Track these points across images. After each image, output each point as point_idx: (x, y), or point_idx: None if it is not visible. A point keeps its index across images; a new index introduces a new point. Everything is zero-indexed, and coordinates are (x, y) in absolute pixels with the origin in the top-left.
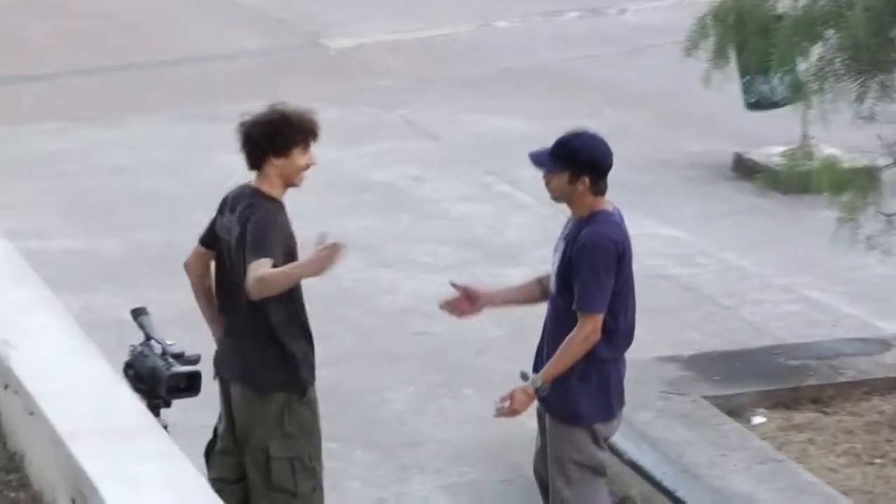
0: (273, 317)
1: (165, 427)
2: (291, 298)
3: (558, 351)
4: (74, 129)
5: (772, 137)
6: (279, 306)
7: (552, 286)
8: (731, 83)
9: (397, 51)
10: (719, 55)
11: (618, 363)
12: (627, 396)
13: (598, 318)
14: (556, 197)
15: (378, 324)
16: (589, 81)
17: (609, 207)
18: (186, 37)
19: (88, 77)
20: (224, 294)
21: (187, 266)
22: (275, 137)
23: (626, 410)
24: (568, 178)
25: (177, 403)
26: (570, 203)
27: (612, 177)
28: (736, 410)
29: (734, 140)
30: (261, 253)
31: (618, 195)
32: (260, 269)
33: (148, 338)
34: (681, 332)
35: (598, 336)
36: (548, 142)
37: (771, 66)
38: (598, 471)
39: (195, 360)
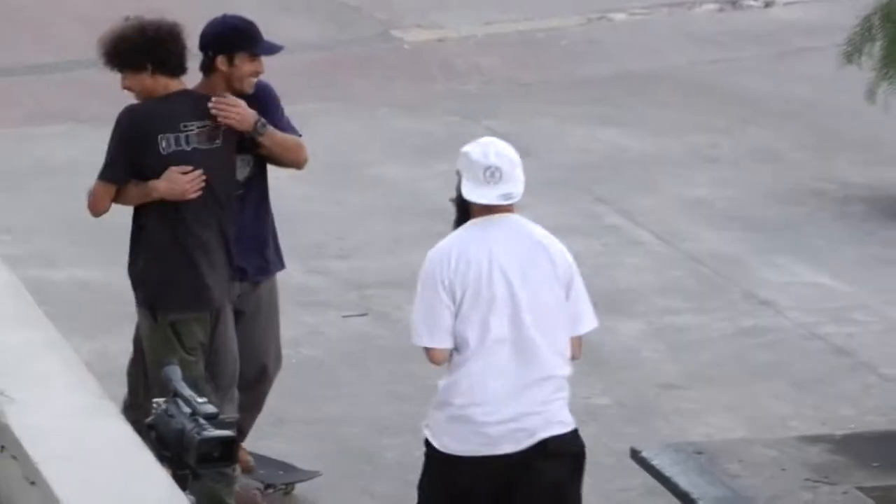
0: None
1: None
2: None
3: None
4: (87, 132)
5: None
6: None
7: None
8: None
9: (488, 47)
10: (888, 63)
11: None
12: (766, 481)
13: None
14: None
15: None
16: (726, 90)
17: None
18: None
19: (104, 70)
20: None
21: None
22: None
23: (763, 501)
24: None
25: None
26: None
27: (752, 210)
28: None
29: None
30: None
31: (760, 231)
32: None
33: (175, 393)
34: (832, 407)
35: None
36: (672, 164)
37: None
38: None
39: (232, 424)
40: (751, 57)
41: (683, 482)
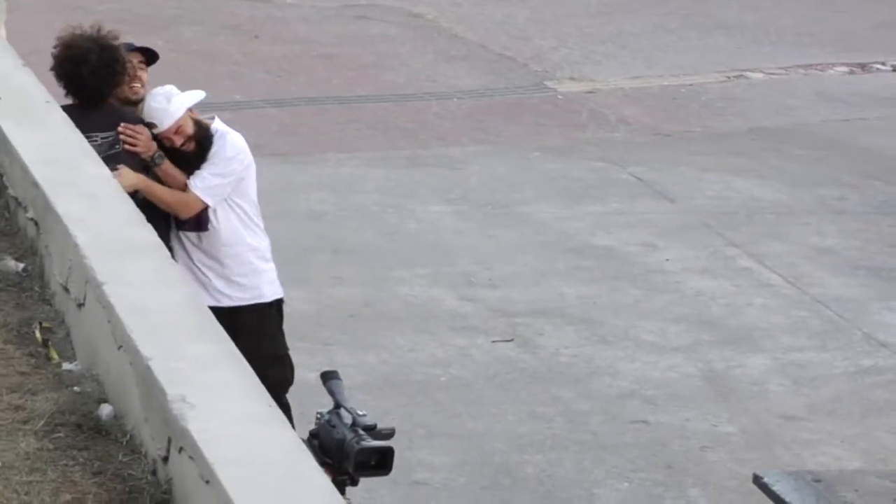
0: None
1: None
2: None
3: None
4: (266, 165)
5: None
6: None
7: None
8: None
9: (635, 100)
10: None
11: None
12: None
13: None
14: None
15: (592, 408)
16: (854, 147)
17: None
18: (395, 70)
19: (282, 109)
20: None
21: None
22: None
23: None
24: None
25: (363, 481)
26: None
27: (876, 259)
28: None
29: None
30: None
31: (882, 279)
32: None
33: (337, 405)
34: None
35: None
36: (802, 214)
37: None
38: None
39: (389, 435)
40: (878, 117)
41: None
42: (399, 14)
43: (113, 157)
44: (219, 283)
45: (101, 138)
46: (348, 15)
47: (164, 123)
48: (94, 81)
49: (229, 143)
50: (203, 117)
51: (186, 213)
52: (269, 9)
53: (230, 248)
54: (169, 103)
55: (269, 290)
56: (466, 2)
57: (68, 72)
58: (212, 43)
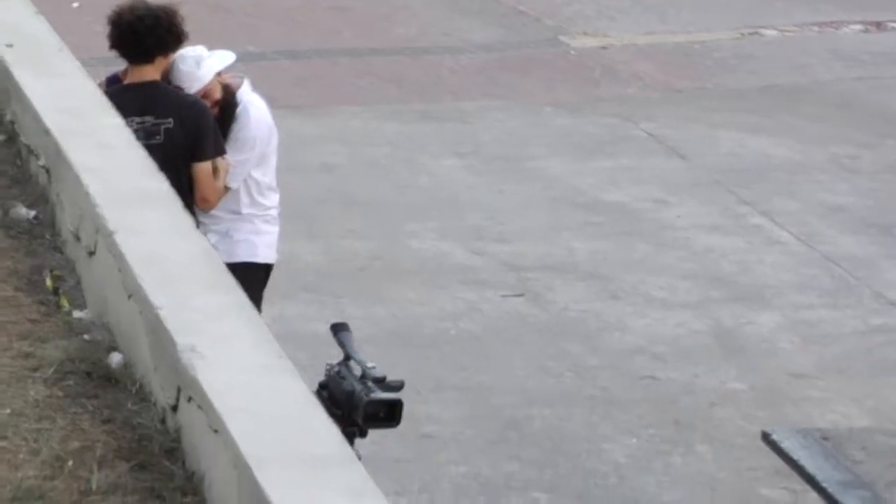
0: None
1: (359, 458)
2: None
3: None
4: (280, 117)
5: None
6: None
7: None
8: None
9: (648, 55)
10: None
11: None
12: (887, 468)
13: None
14: None
15: (601, 363)
16: (869, 106)
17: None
18: (407, 23)
19: (293, 61)
20: None
21: None
22: (176, 30)
23: (882, 485)
24: None
25: (372, 433)
26: None
27: (888, 218)
28: None
29: None
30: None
31: (894, 239)
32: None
33: (347, 357)
34: None
35: None
36: (814, 172)
37: None
38: None
39: (398, 387)
40: (893, 75)
41: (810, 465)
42: None
43: (152, 150)
44: (213, 238)
45: (138, 123)
46: None
47: (193, 88)
48: (146, 38)
49: (253, 119)
50: (233, 76)
51: (216, 200)
52: None
53: (234, 214)
54: (199, 68)
55: (263, 253)
56: None
57: (125, 24)
58: None
